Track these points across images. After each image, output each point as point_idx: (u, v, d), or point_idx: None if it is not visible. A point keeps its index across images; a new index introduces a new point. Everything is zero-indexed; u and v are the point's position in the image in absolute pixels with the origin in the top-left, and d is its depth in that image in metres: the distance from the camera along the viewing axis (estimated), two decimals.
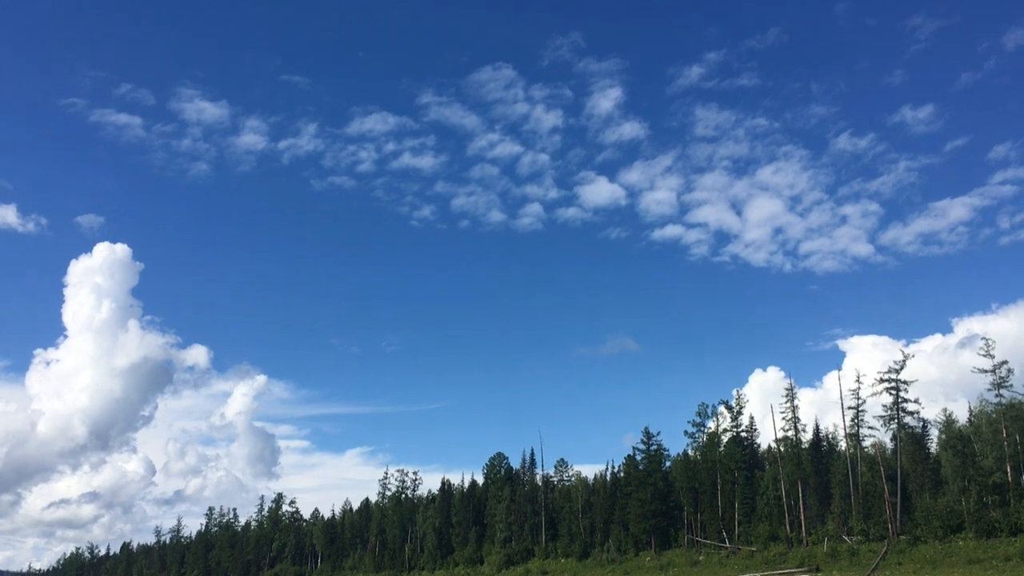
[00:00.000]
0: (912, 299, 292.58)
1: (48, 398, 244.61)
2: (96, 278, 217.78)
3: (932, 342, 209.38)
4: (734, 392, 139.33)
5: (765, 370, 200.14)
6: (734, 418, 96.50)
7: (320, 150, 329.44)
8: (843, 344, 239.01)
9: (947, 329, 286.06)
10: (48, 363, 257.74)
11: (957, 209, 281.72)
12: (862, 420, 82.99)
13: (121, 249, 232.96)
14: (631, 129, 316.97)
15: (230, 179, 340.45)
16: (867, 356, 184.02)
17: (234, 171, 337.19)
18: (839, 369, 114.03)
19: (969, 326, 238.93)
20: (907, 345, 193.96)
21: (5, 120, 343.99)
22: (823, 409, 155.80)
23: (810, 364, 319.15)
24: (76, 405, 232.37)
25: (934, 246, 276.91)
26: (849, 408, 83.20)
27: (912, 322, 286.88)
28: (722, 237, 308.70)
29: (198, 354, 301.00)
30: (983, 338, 74.48)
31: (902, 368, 78.60)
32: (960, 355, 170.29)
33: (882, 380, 79.37)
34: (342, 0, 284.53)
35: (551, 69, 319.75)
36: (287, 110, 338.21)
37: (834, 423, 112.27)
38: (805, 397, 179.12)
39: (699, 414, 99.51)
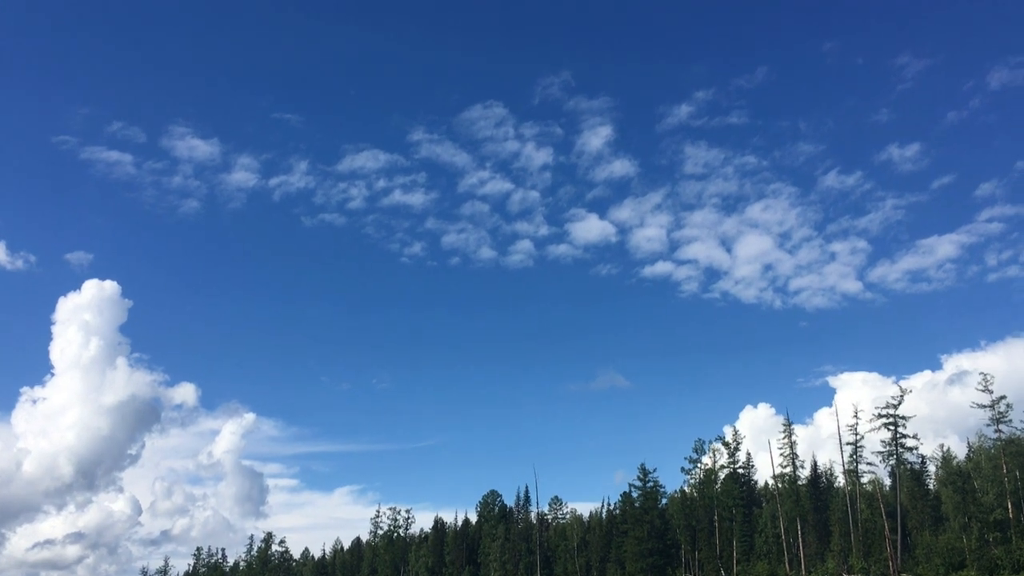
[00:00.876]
0: (901, 336, 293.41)
1: (34, 437, 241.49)
2: (84, 315, 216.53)
3: (922, 379, 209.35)
4: (728, 429, 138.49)
5: (756, 406, 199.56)
6: (731, 454, 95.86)
7: (311, 187, 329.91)
8: (833, 380, 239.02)
9: (936, 366, 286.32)
10: (35, 401, 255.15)
11: (944, 246, 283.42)
12: (861, 456, 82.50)
13: (110, 286, 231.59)
14: (621, 167, 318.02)
15: (221, 216, 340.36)
16: (857, 392, 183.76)
17: (225, 208, 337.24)
18: (830, 406, 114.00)
19: (958, 363, 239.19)
20: (897, 381, 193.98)
21: None
22: (815, 445, 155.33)
23: (801, 400, 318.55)
24: (62, 444, 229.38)
25: (922, 283, 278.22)
26: (847, 444, 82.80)
27: (902, 359, 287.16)
28: (712, 274, 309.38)
29: (186, 392, 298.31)
30: (981, 373, 74.38)
31: (900, 403, 78.29)
32: (950, 392, 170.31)
33: (880, 415, 79.02)
34: (334, 39, 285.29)
35: (542, 107, 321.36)
36: (279, 147, 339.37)
37: (830, 459, 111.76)
38: (796, 433, 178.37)
39: (695, 450, 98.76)
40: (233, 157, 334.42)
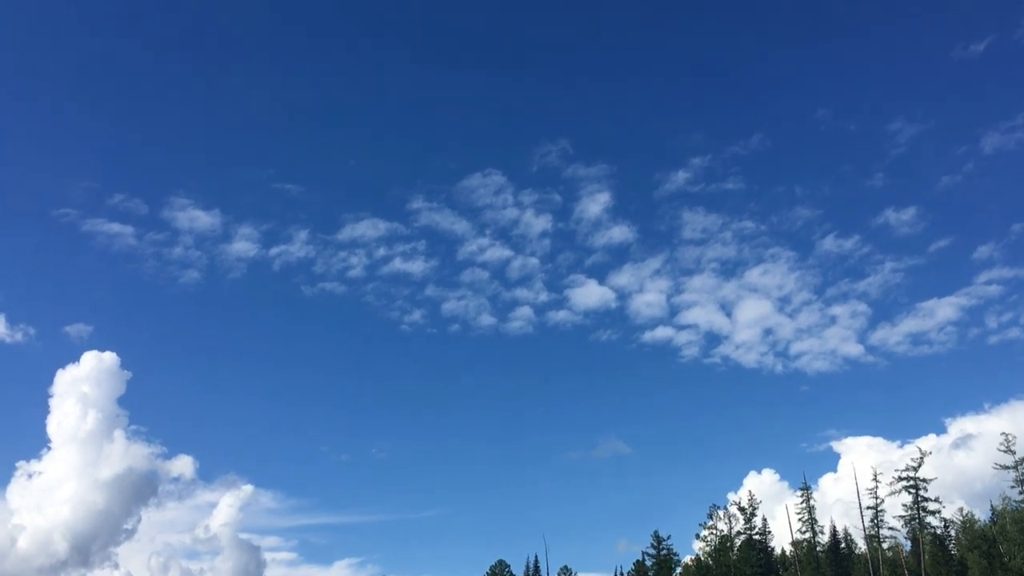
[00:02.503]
0: (904, 399, 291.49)
1: (29, 512, 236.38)
2: (83, 387, 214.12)
3: (927, 442, 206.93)
4: (743, 493, 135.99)
5: (760, 472, 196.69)
6: (747, 519, 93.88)
7: (311, 256, 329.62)
8: (837, 445, 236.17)
9: (940, 429, 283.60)
10: (31, 475, 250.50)
11: (944, 309, 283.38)
12: (882, 520, 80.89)
13: (109, 357, 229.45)
14: (620, 232, 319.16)
15: (221, 286, 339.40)
16: (862, 457, 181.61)
17: (225, 278, 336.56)
18: (835, 471, 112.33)
19: (963, 426, 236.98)
20: (902, 446, 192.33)
21: None
22: (821, 511, 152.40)
23: (805, 466, 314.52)
24: (58, 519, 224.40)
25: (924, 346, 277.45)
26: (868, 508, 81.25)
27: (905, 422, 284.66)
28: (712, 338, 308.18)
29: (184, 464, 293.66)
30: (1003, 433, 73.33)
31: (919, 465, 77.08)
32: (955, 456, 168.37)
33: (900, 479, 77.73)
34: (335, 109, 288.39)
35: (540, 175, 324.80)
36: (279, 217, 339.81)
37: (845, 525, 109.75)
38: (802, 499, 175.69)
39: (709, 515, 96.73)
40: (234, 227, 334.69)
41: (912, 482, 77.12)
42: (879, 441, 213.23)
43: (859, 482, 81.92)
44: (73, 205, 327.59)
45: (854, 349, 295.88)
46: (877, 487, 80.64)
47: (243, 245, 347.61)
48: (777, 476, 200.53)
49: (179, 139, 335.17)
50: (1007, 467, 72.62)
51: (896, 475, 78.37)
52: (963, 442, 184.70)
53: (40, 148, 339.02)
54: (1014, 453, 72.36)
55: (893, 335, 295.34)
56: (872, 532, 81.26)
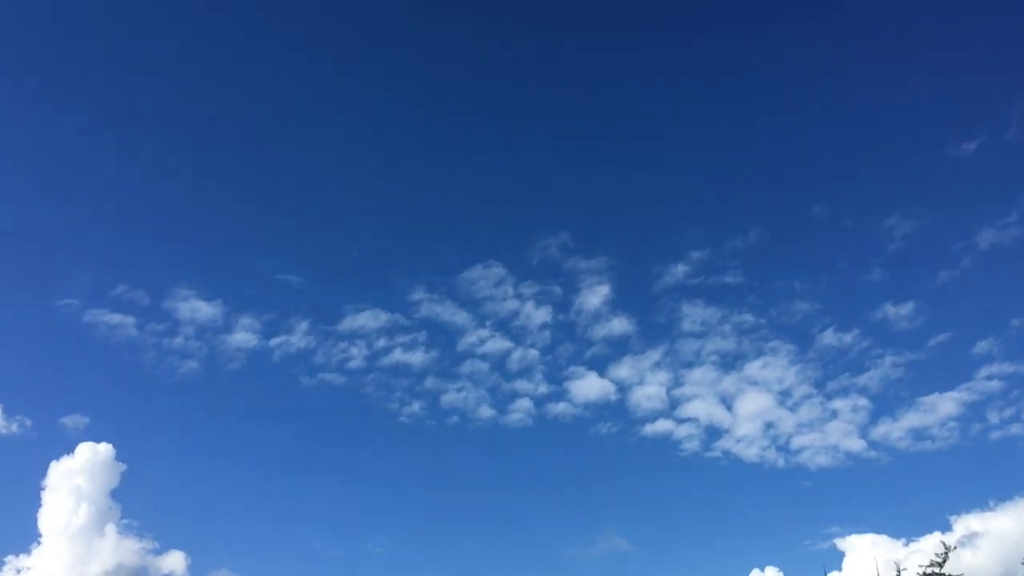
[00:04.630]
0: (908, 496, 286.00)
1: None
2: (76, 480, 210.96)
3: (932, 540, 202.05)
4: None
5: (763, 569, 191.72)
6: None
7: (311, 347, 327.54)
8: (841, 543, 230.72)
9: (946, 527, 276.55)
10: (19, 571, 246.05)
11: (946, 404, 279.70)
12: None
13: (104, 449, 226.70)
14: (619, 325, 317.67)
15: (220, 377, 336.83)
16: (866, 555, 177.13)
17: (224, 369, 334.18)
18: (840, 569, 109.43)
19: (968, 524, 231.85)
20: (907, 544, 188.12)
21: None
22: None
23: (808, 563, 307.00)
24: None
25: (926, 441, 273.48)
26: None
27: (910, 520, 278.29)
28: (713, 432, 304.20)
29: (175, 560, 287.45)
30: None
31: (944, 560, 74.94)
32: (962, 554, 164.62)
33: (926, 575, 75.48)
34: (338, 201, 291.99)
35: (540, 267, 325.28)
36: (280, 308, 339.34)
37: None
38: None
39: None
40: (235, 318, 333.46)
41: None
42: (884, 539, 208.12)
43: None
44: (76, 296, 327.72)
45: (856, 444, 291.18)
46: None
47: (243, 336, 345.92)
48: (781, 574, 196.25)
49: (184, 230, 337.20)
50: None
51: (921, 570, 76.25)
52: (969, 540, 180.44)
53: (45, 240, 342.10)
54: None
55: (895, 430, 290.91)
56: None
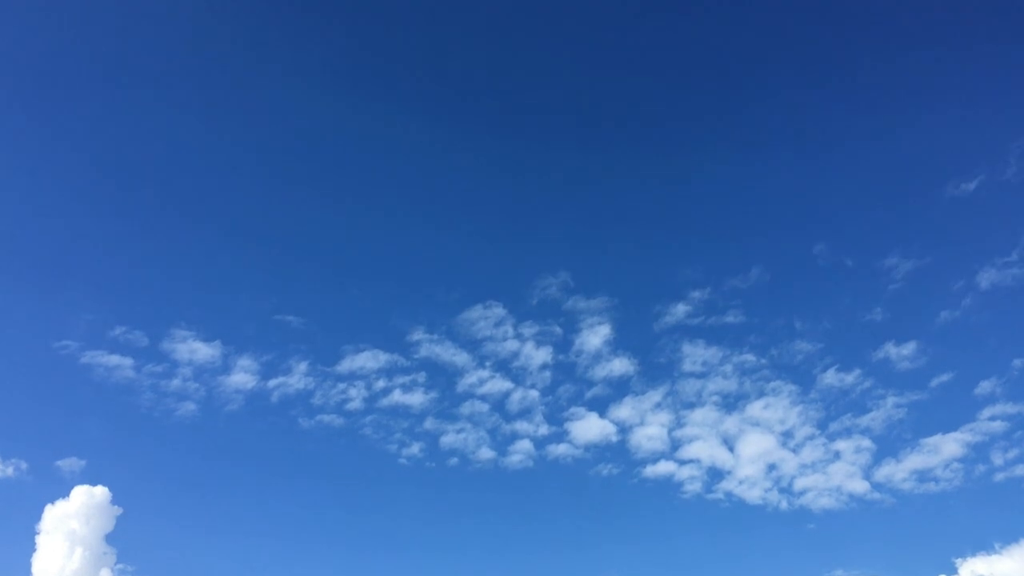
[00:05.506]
0: (912, 538, 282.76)
1: None
2: (72, 524, 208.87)
3: None
4: None
5: None
6: None
7: (310, 388, 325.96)
8: None
9: (951, 569, 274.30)
10: None
11: (949, 445, 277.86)
12: None
13: (100, 492, 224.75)
14: (620, 365, 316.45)
15: (217, 419, 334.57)
16: None
17: (222, 411, 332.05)
18: None
19: (973, 567, 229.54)
20: None
21: None
22: None
23: None
24: None
25: (930, 483, 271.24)
26: None
27: (915, 562, 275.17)
28: (715, 474, 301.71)
29: None
30: None
31: None
32: None
33: None
34: (337, 240, 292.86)
35: (540, 307, 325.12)
36: (279, 348, 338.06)
37: None
38: None
39: None
40: (233, 359, 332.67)
41: None
42: None
43: None
44: (74, 337, 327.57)
45: (860, 486, 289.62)
46: None
47: (242, 377, 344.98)
48: None
49: (183, 271, 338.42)
50: None
51: None
52: None
53: (44, 281, 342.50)
54: None
55: (899, 471, 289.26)
56: None
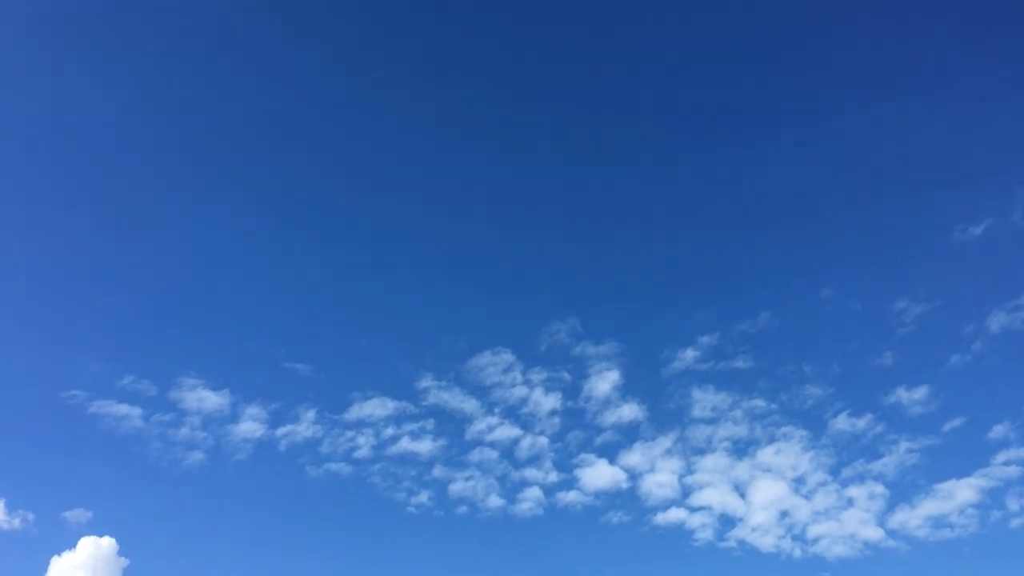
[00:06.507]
0: None
1: None
2: (78, 575, 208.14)
3: None
4: None
5: None
6: None
7: (318, 436, 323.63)
8: None
9: None
10: None
11: (964, 491, 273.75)
12: None
13: (107, 543, 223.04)
14: (630, 411, 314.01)
15: (225, 468, 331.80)
16: None
17: (230, 460, 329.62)
18: None
19: None
20: None
21: (4, 414, 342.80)
22: None
23: None
24: None
25: (945, 529, 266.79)
26: None
27: None
28: (727, 521, 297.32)
29: None
30: None
31: None
32: None
33: None
34: (345, 288, 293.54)
35: (549, 353, 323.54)
36: (287, 397, 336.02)
37: None
38: None
39: None
40: (241, 408, 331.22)
41: None
42: None
43: None
44: (82, 387, 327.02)
45: (874, 533, 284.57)
46: None
47: (250, 425, 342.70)
48: None
49: (191, 319, 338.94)
50: None
51: None
52: None
53: (52, 331, 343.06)
54: None
55: (913, 518, 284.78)
56: None
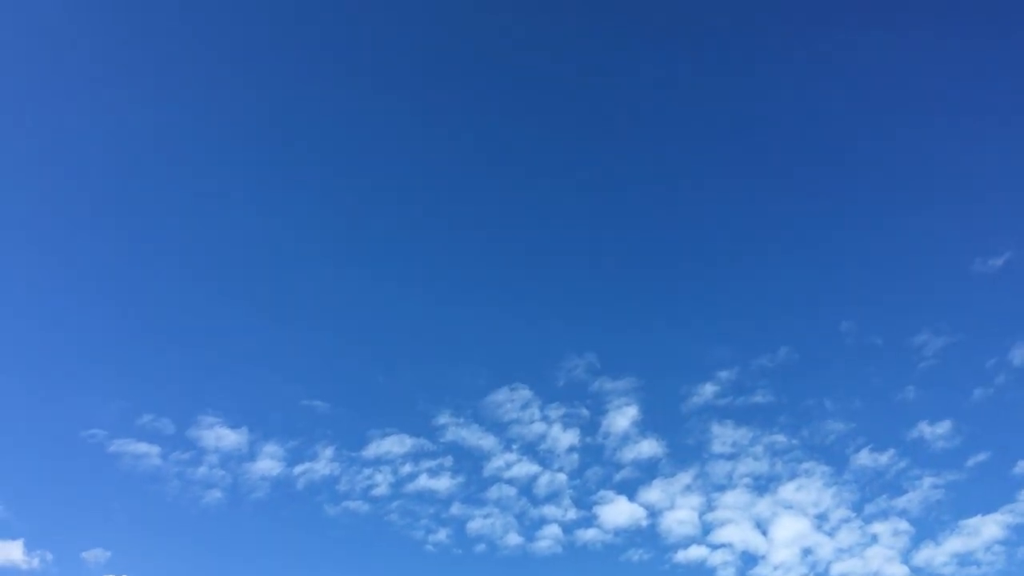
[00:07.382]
0: None
1: None
2: None
3: None
4: None
5: None
6: None
7: (336, 474, 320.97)
8: None
9: None
10: None
11: (989, 527, 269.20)
12: None
13: None
14: (648, 447, 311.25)
15: (243, 506, 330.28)
16: None
17: (247, 498, 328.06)
18: None
19: None
20: None
21: (25, 453, 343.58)
22: None
23: None
24: None
25: (972, 567, 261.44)
26: None
27: None
28: (749, 559, 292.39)
29: None
30: None
31: None
32: None
33: None
34: (361, 327, 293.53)
35: (567, 389, 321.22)
36: (305, 434, 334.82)
37: None
38: None
39: None
40: (259, 445, 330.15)
41: None
42: None
43: None
44: (102, 426, 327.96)
45: (899, 571, 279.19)
46: None
47: (268, 463, 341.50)
48: None
49: (209, 357, 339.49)
50: None
51: None
52: None
53: (74, 370, 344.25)
54: None
55: (939, 555, 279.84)
56: None
